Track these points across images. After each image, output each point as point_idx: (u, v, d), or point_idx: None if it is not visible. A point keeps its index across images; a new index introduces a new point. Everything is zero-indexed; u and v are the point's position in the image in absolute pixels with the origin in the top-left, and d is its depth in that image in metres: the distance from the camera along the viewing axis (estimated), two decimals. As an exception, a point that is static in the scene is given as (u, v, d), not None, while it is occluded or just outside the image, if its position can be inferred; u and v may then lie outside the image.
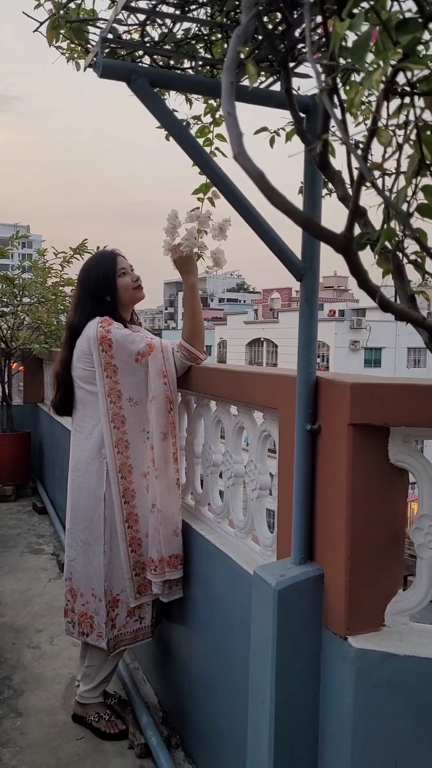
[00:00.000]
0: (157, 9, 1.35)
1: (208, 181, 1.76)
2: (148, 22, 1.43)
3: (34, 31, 1.84)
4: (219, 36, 1.48)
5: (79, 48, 1.85)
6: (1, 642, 3.33)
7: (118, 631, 2.49)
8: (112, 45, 1.46)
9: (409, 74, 0.75)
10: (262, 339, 35.49)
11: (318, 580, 1.56)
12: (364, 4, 0.80)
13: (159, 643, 2.77)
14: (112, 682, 2.80)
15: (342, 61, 0.90)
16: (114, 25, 1.44)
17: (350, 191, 1.04)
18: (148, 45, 1.47)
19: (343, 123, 0.86)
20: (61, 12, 1.52)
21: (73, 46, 1.88)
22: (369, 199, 1.10)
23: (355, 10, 0.79)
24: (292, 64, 1.52)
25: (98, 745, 2.51)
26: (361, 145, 0.98)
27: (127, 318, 2.58)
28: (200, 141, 1.78)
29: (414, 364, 33.05)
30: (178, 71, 1.56)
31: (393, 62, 0.67)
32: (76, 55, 1.92)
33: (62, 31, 1.53)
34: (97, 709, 2.61)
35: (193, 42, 1.46)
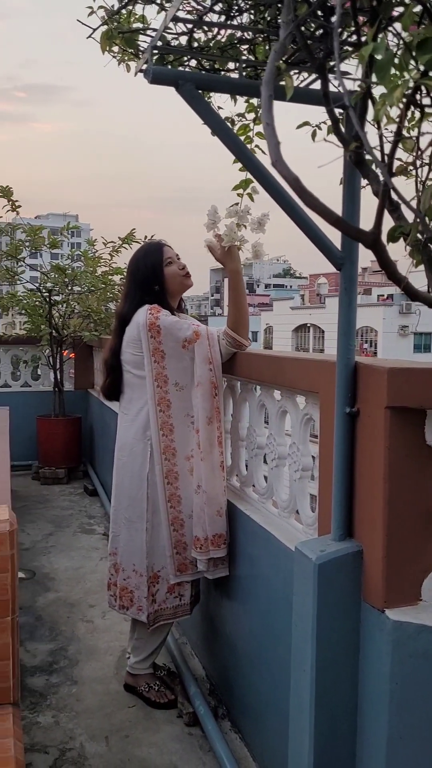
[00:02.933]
0: (203, 18, 1.43)
1: (247, 177, 1.84)
2: (195, 29, 1.51)
3: (87, 38, 1.95)
4: (261, 38, 1.55)
5: (130, 52, 1.94)
6: (56, 615, 3.52)
7: (158, 606, 2.61)
8: (160, 51, 1.55)
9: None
10: (308, 324, 35.32)
11: (357, 555, 1.65)
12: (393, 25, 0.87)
13: (206, 619, 2.89)
14: (162, 655, 2.94)
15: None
16: (164, 33, 1.53)
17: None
18: (194, 50, 1.56)
19: (380, 132, 0.93)
20: (114, 23, 1.61)
21: (123, 50, 1.98)
22: (405, 190, 1.17)
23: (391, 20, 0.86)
24: (331, 63, 1.58)
25: (149, 713, 2.65)
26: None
27: (175, 306, 2.68)
28: (241, 138, 1.86)
29: (465, 350, 32.40)
30: (222, 73, 1.64)
31: (412, 79, 0.74)
32: (126, 59, 2.02)
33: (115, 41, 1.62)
34: (147, 679, 2.75)
35: (237, 44, 1.54)
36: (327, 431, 1.82)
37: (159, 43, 1.50)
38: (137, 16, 1.80)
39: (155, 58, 1.58)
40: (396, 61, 0.76)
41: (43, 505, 5.59)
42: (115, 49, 1.92)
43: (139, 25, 1.81)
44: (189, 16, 1.46)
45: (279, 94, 1.31)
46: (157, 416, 2.49)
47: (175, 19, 1.42)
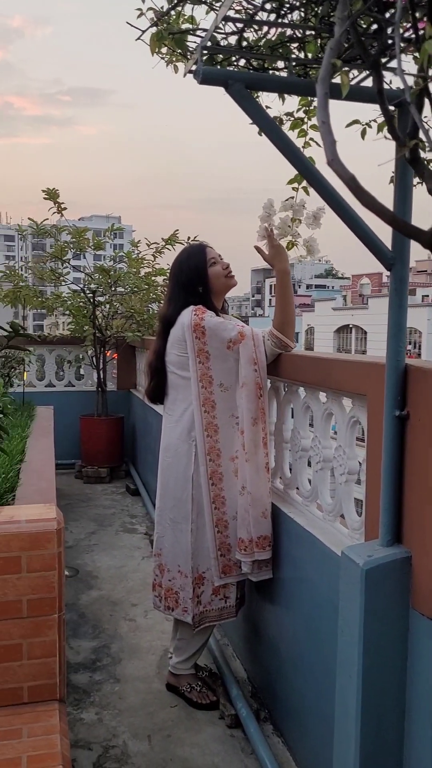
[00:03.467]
0: (254, 17, 1.42)
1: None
2: (245, 28, 1.50)
3: (136, 40, 1.96)
4: (312, 36, 1.54)
5: (178, 53, 1.95)
6: (99, 614, 3.55)
7: (204, 607, 2.61)
8: (210, 52, 1.55)
9: None
10: (350, 325, 34.95)
11: (406, 561, 1.61)
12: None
13: (248, 621, 2.88)
14: (204, 656, 2.94)
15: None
16: (214, 33, 1.53)
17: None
18: (244, 50, 1.55)
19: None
20: (163, 23, 1.61)
21: (172, 51, 1.98)
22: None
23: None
24: (384, 60, 1.55)
25: (191, 713, 2.65)
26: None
27: (219, 307, 2.67)
28: (294, 132, 1.85)
29: None
30: (271, 72, 1.63)
31: None
32: (174, 60, 2.03)
33: (164, 42, 1.62)
34: (189, 680, 2.75)
35: (287, 43, 1.52)
36: (375, 434, 1.79)
37: (208, 44, 1.50)
38: (186, 17, 1.81)
39: (204, 58, 1.58)
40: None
41: (85, 503, 5.66)
42: (164, 50, 1.92)
43: (189, 26, 1.81)
44: (239, 16, 1.46)
45: (332, 93, 1.29)
46: (202, 417, 2.49)
47: (226, 19, 1.41)
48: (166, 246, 6.23)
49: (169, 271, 2.75)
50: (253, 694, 2.75)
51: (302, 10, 1.45)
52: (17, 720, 1.83)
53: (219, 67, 1.62)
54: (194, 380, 2.50)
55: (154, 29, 1.81)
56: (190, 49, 1.80)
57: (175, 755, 2.40)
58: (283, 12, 1.46)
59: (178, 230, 6.25)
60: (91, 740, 2.47)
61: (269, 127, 1.50)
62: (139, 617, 3.51)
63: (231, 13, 1.44)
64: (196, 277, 2.59)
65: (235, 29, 1.53)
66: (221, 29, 1.54)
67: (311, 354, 2.39)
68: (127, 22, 1.91)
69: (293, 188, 1.89)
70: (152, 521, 4.97)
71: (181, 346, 2.53)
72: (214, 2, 1.64)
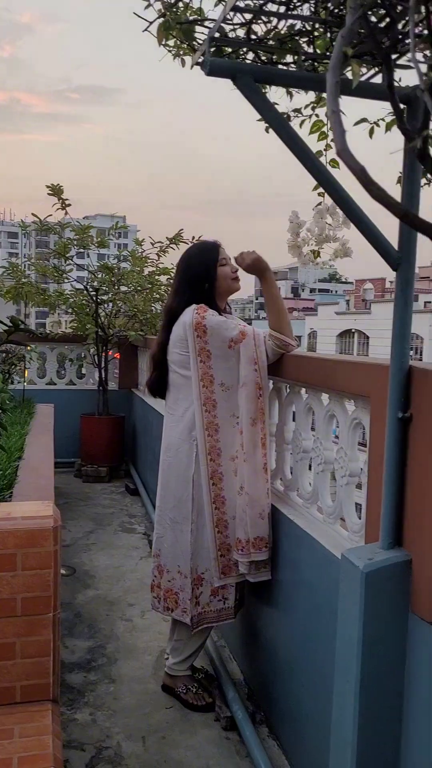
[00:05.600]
0: (263, 8, 1.40)
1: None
2: (254, 20, 1.48)
3: (143, 31, 1.94)
4: (321, 30, 1.52)
5: (185, 45, 1.93)
6: (95, 613, 3.52)
7: (202, 608, 2.58)
8: (218, 43, 1.53)
9: None
10: (353, 330, 34.90)
11: (406, 565, 1.59)
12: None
13: (245, 623, 2.85)
14: (201, 658, 2.92)
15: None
16: (223, 24, 1.51)
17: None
18: (253, 42, 1.53)
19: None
20: (171, 14, 1.59)
21: (179, 44, 1.96)
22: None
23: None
24: (394, 56, 1.53)
25: (186, 715, 2.63)
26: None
27: (222, 307, 2.66)
28: (314, 135, 1.82)
29: None
30: (280, 66, 1.61)
31: None
32: (182, 53, 2.01)
33: (172, 32, 1.60)
34: (185, 681, 2.73)
35: (297, 37, 1.50)
36: (377, 436, 1.76)
37: (216, 35, 1.48)
38: (194, 9, 1.78)
39: (212, 50, 1.55)
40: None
41: (84, 502, 5.63)
42: (170, 43, 1.90)
43: (197, 18, 1.79)
44: (248, 6, 1.43)
45: (342, 88, 1.27)
46: (202, 416, 2.47)
47: (234, 9, 1.39)
48: (171, 245, 6.21)
49: (177, 263, 2.72)
50: (250, 697, 2.72)
51: (313, 2, 1.43)
52: (9, 720, 1.81)
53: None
54: (195, 379, 2.48)
55: (161, 20, 1.79)
56: (199, 41, 1.78)
57: (169, 757, 2.37)
58: (293, 4, 1.43)
59: (182, 229, 6.24)
60: (85, 741, 2.44)
61: (277, 122, 1.48)
62: (136, 617, 3.48)
63: (240, 4, 1.42)
64: (204, 274, 2.58)
65: (243, 20, 1.51)
66: (230, 20, 1.52)
67: (315, 355, 2.37)
68: (135, 13, 1.89)
69: (319, 194, 1.86)
70: (151, 521, 4.95)
71: (183, 344, 2.51)
72: (223, -6, 1.61)
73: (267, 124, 1.56)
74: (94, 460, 6.37)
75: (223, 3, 1.57)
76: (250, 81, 1.43)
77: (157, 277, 6.23)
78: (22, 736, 1.73)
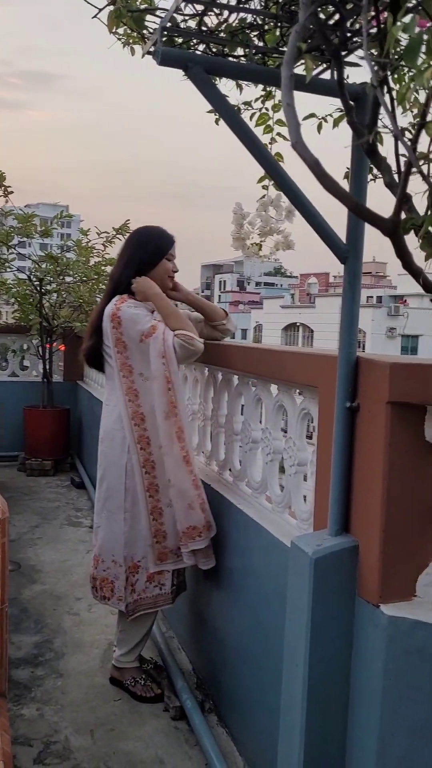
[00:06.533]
0: (216, 0, 1.41)
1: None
2: (206, 11, 1.48)
3: (92, 18, 1.92)
4: (272, 25, 1.53)
5: (135, 34, 1.91)
6: (42, 608, 3.48)
7: (138, 595, 2.59)
8: (170, 33, 1.52)
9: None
10: (298, 324, 35.36)
11: (353, 550, 1.63)
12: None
13: (193, 613, 2.87)
14: (150, 648, 2.92)
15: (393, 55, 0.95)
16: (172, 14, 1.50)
17: (397, 178, 1.10)
18: (204, 34, 1.53)
19: (392, 114, 0.91)
20: (122, 2, 1.58)
21: (129, 32, 1.95)
22: (414, 186, 1.15)
23: (409, 9, 0.85)
24: (343, 53, 1.56)
25: (135, 707, 2.63)
26: (409, 135, 1.03)
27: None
28: (260, 128, 1.84)
29: (452, 353, 32.52)
30: (231, 59, 1.62)
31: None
32: (131, 41, 1.99)
33: (123, 20, 1.59)
34: (133, 673, 2.73)
35: (248, 31, 1.52)
36: (325, 426, 1.80)
37: (168, 24, 1.48)
38: (144, -1, 1.77)
39: (163, 41, 1.55)
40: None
41: (29, 497, 5.55)
42: (120, 31, 1.89)
43: (147, 6, 1.78)
44: (200, -2, 1.44)
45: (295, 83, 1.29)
46: (127, 406, 2.49)
47: (187, 0, 1.39)
48: (117, 236, 6.15)
49: (132, 233, 2.69)
50: (199, 686, 2.74)
51: (263, -4, 1.44)
52: None
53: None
54: (116, 369, 2.51)
55: (111, 8, 1.78)
56: (150, 30, 1.77)
57: (118, 749, 2.37)
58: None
59: (129, 220, 6.18)
60: (32, 736, 2.42)
61: (228, 113, 1.49)
62: (83, 611, 3.46)
63: (192, -4, 1.42)
64: (152, 258, 2.59)
65: (195, 11, 1.51)
66: (181, 11, 1.52)
67: (265, 347, 2.39)
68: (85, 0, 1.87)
69: (263, 186, 1.88)
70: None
71: (107, 335, 2.53)
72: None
73: (218, 115, 1.56)
74: (39, 453, 6.27)
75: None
76: (201, 72, 1.44)
77: (103, 267, 6.16)
78: (-30, 732, 1.71)
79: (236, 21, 1.54)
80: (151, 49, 1.55)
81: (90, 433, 5.98)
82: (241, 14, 1.52)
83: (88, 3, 1.88)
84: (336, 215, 1.65)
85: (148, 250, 2.59)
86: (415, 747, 1.55)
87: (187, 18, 1.56)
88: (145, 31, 1.68)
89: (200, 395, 3.05)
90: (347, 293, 1.65)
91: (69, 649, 3.06)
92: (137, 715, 2.58)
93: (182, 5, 1.48)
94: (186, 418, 2.56)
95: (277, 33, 1.55)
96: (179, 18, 1.57)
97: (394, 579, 1.57)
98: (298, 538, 1.72)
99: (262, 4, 1.48)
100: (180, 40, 1.60)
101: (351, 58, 1.58)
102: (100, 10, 1.86)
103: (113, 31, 1.68)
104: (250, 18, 1.53)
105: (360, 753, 1.62)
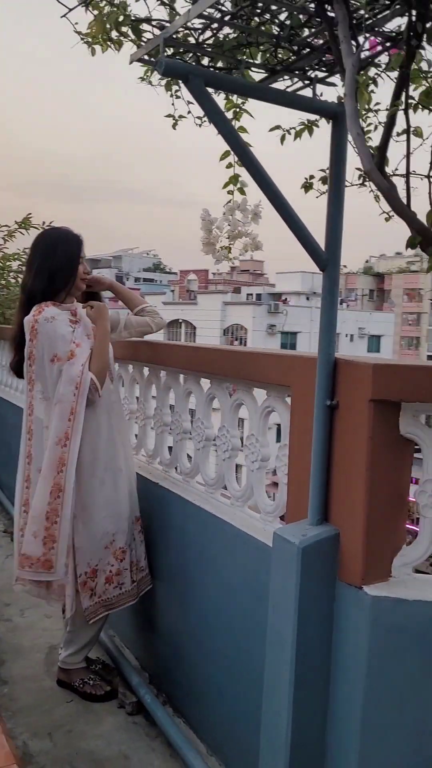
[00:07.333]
0: (224, 18, 1.47)
1: (235, 173, 1.90)
2: (210, 27, 1.54)
3: (62, 17, 1.92)
4: (263, 42, 1.61)
5: (103, 37, 1.93)
6: (-31, 617, 3.36)
7: (99, 597, 2.55)
8: (167, 44, 1.56)
9: None
10: (180, 320, 35.61)
11: (335, 538, 1.76)
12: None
13: (137, 611, 2.86)
14: (96, 650, 2.92)
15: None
16: (166, 24, 1.55)
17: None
18: (200, 46, 1.58)
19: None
20: (107, 8, 1.60)
21: (92, 32, 1.96)
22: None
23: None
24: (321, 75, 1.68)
25: (88, 707, 2.63)
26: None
27: (76, 299, 2.62)
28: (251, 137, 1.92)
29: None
30: (226, 73, 1.68)
31: None
32: (95, 42, 2.00)
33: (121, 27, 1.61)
34: (81, 675, 2.71)
35: (245, 47, 1.58)
36: (299, 423, 1.91)
37: (160, 32, 1.52)
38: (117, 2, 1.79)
39: (155, 50, 1.59)
40: None
41: None
42: (84, 30, 1.91)
43: (119, 12, 1.81)
44: (209, 15, 1.49)
45: (272, 97, 1.39)
46: (25, 419, 2.51)
47: (201, 17, 1.44)
48: (20, 230, 5.97)
49: (37, 241, 2.58)
50: (150, 681, 2.78)
51: (265, 17, 1.51)
52: None
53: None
54: (26, 379, 2.49)
55: (82, 7, 1.81)
56: (128, 36, 1.79)
57: (80, 749, 2.37)
58: (243, 16, 1.51)
59: (30, 214, 6.02)
60: (-12, 746, 2.36)
61: (223, 123, 1.55)
62: (16, 617, 3.38)
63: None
64: (66, 265, 2.51)
65: (191, 26, 1.56)
66: (169, 23, 1.56)
67: (234, 349, 2.49)
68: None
69: (228, 191, 1.96)
70: (10, 517, 4.76)
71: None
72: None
73: (209, 123, 1.62)
74: None
75: (165, 5, 1.61)
76: (201, 84, 1.49)
77: (8, 263, 5.95)
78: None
79: (227, 36, 1.60)
80: (144, 56, 1.59)
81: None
82: (236, 31, 1.58)
83: (60, 3, 1.88)
84: (314, 224, 1.76)
85: (56, 257, 2.50)
86: (397, 723, 1.70)
87: (180, 30, 1.60)
88: (131, 38, 1.70)
89: (141, 394, 3.07)
90: (326, 299, 1.77)
91: (9, 656, 2.99)
92: (93, 714, 2.58)
93: (169, 17, 1.52)
94: (75, 451, 2.41)
95: (269, 55, 1.63)
96: (167, 26, 1.61)
97: (374, 562, 1.71)
98: (281, 529, 1.82)
99: (258, 20, 1.56)
100: (170, 51, 1.64)
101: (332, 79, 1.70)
102: (70, 9, 1.87)
103: (99, 36, 1.69)
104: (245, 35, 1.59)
105: (345, 724, 1.74)
